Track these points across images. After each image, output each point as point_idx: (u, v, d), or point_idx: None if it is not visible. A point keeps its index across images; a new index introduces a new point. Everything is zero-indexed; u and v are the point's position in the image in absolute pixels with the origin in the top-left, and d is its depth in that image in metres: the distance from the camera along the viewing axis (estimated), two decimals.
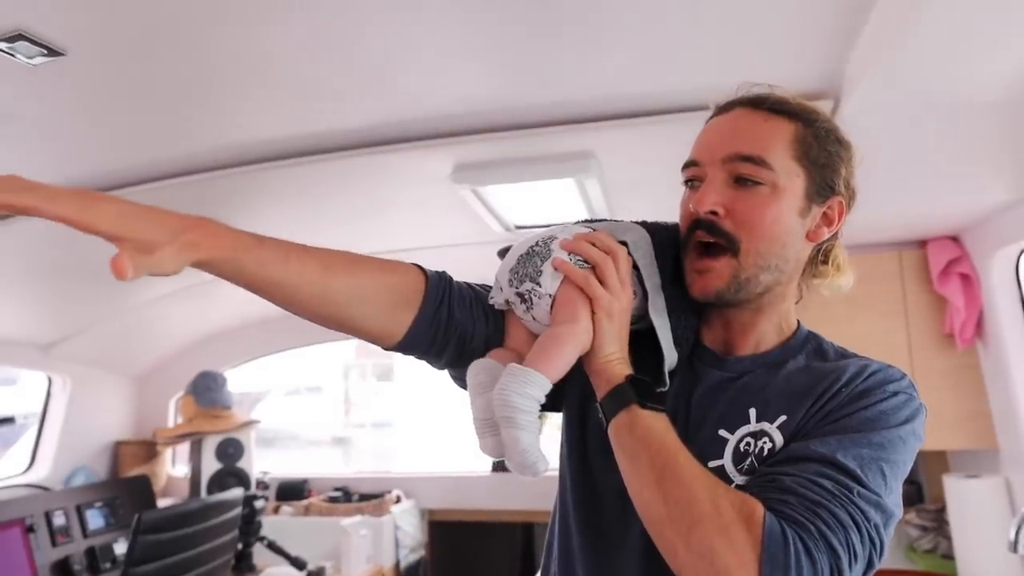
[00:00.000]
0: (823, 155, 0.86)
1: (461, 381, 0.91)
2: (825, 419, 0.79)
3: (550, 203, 2.32)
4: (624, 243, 0.87)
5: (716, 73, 1.61)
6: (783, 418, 0.81)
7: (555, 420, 1.06)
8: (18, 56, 1.34)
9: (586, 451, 0.94)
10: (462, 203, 2.26)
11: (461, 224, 2.52)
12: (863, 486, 0.71)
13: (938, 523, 2.83)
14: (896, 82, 1.51)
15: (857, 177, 0.90)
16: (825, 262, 0.92)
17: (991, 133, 1.80)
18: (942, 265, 2.71)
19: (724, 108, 0.90)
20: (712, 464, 0.80)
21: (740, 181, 0.83)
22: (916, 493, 2.98)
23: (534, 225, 2.55)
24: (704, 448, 0.82)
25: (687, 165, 0.89)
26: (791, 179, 0.84)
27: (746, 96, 0.89)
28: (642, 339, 0.89)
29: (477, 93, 1.71)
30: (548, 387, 0.73)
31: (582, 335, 0.78)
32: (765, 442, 0.80)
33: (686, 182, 0.90)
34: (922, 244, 2.83)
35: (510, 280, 0.86)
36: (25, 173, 1.84)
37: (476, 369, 0.80)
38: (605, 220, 0.99)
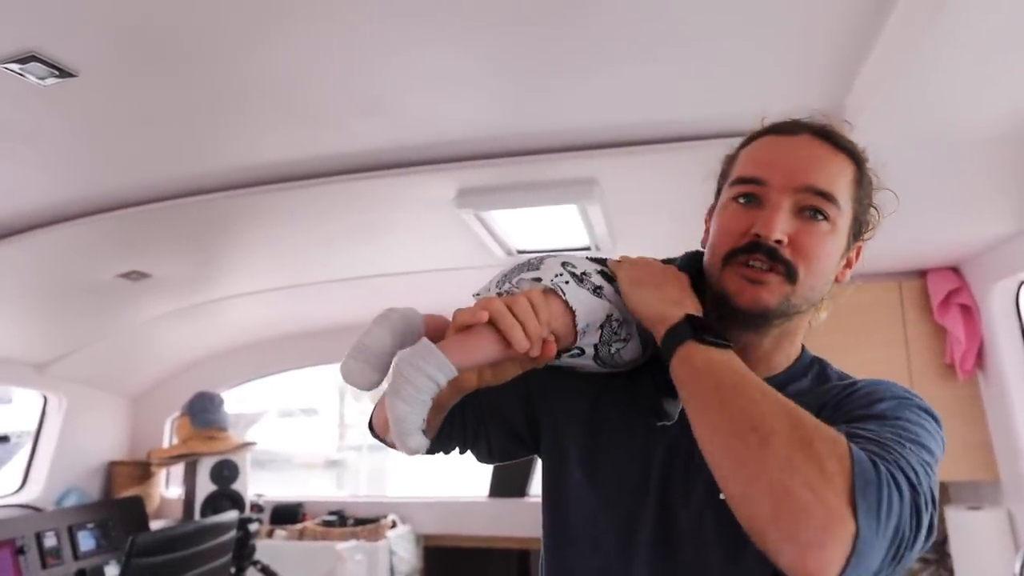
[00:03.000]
0: (866, 199, 0.87)
1: (488, 460, 1.00)
2: (839, 412, 0.76)
3: (553, 228, 2.33)
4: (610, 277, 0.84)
5: (719, 103, 1.63)
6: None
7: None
8: (30, 77, 1.36)
9: (567, 513, 0.91)
10: (465, 227, 2.27)
11: (464, 248, 2.53)
12: (910, 446, 0.67)
13: (940, 555, 2.81)
14: (898, 114, 1.53)
15: (878, 219, 0.91)
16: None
17: (991, 166, 1.82)
18: (942, 295, 2.72)
19: (787, 130, 0.86)
20: (724, 496, 0.77)
21: (804, 212, 0.81)
22: None
23: (536, 250, 2.56)
24: (711, 481, 0.77)
25: (746, 180, 0.84)
26: (845, 220, 0.84)
27: (813, 124, 0.86)
28: (647, 371, 0.88)
29: (481, 119, 1.72)
30: (449, 371, 0.67)
31: (495, 339, 0.71)
32: None
33: (737, 197, 0.85)
34: (922, 274, 2.84)
35: (498, 283, 0.84)
36: (35, 192, 1.85)
37: (400, 313, 0.74)
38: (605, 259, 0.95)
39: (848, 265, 0.88)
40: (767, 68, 1.49)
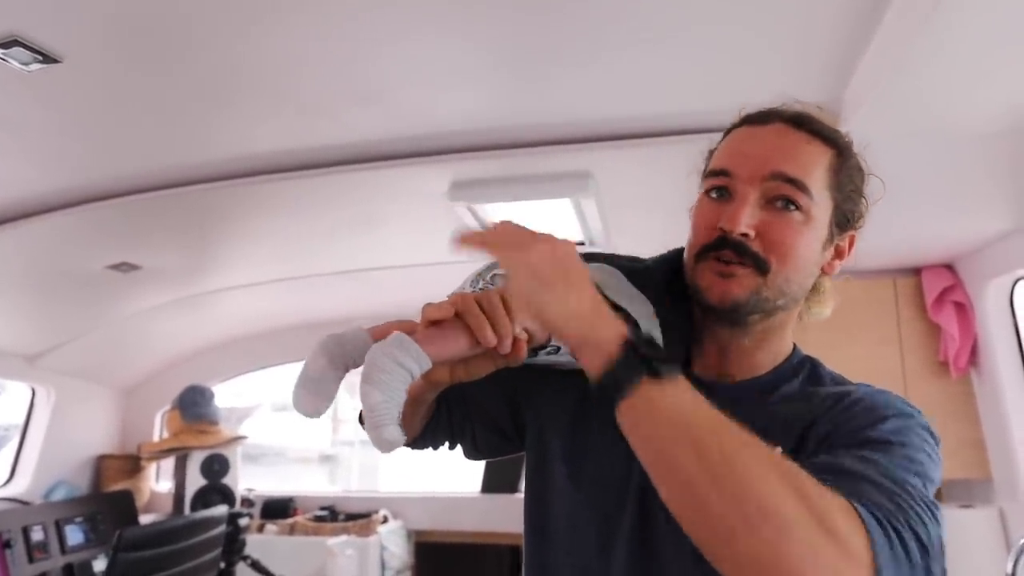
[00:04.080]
0: (850, 187, 0.83)
1: (474, 455, 1.01)
2: (837, 432, 0.71)
3: (546, 222, 2.32)
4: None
5: (714, 97, 1.61)
6: (777, 451, 0.73)
7: None
8: (13, 62, 1.33)
9: (546, 521, 0.89)
10: (458, 220, 2.25)
11: None
12: (913, 487, 0.63)
13: None
14: (895, 109, 1.52)
15: (869, 208, 0.87)
16: (814, 289, 0.87)
17: (986, 163, 1.81)
18: (936, 293, 2.72)
19: (759, 119, 0.83)
20: None
21: (774, 203, 0.78)
22: None
23: None
24: None
25: (715, 173, 0.82)
26: (822, 209, 0.80)
27: (786, 112, 0.83)
28: None
29: (475, 111, 1.70)
30: (424, 359, 0.65)
31: (465, 334, 0.69)
32: None
33: (709, 190, 0.83)
34: (916, 272, 2.84)
35: (472, 281, 0.83)
36: (19, 181, 1.82)
37: (335, 336, 0.72)
38: (584, 255, 0.92)
39: (839, 255, 0.85)
40: (764, 62, 1.48)
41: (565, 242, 0.69)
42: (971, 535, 2.61)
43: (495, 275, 0.78)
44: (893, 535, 0.57)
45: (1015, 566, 1.76)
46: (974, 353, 2.68)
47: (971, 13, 1.16)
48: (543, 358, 0.81)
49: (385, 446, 0.63)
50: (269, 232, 2.50)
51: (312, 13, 1.27)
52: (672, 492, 0.59)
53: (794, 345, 0.89)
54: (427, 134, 1.81)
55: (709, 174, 0.84)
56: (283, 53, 1.41)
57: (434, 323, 0.69)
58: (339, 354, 0.71)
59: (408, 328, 0.70)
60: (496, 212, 2.21)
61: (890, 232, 2.40)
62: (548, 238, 0.69)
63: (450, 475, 3.95)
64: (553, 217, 2.25)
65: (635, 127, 1.78)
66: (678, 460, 0.58)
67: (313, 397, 0.69)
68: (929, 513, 0.62)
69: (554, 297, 0.65)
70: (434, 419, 0.95)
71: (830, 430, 0.73)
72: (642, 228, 2.39)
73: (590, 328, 0.64)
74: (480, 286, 0.78)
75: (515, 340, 0.71)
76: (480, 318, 0.69)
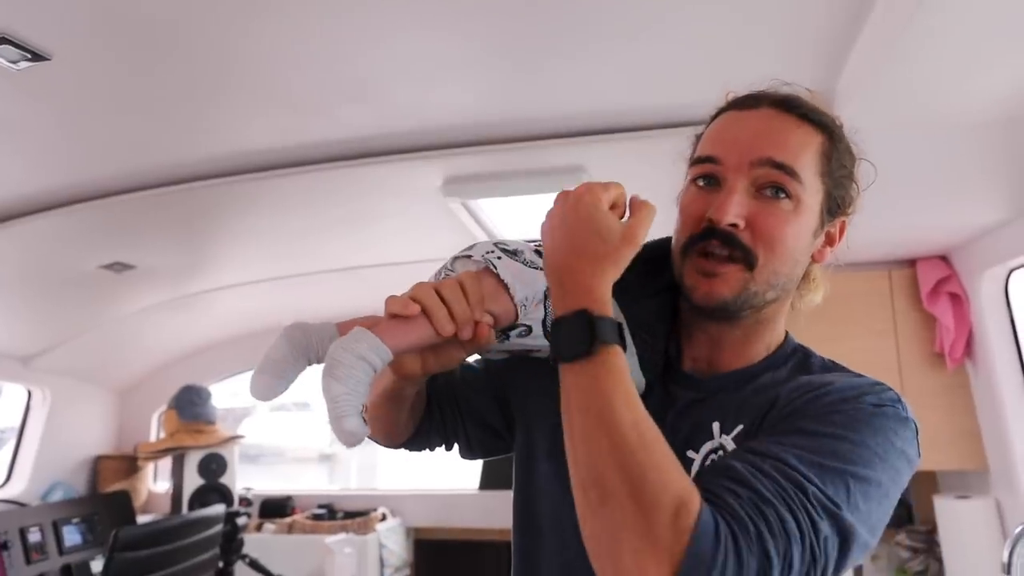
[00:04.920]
0: (841, 172, 0.80)
1: (469, 455, 1.01)
2: (786, 417, 0.70)
3: (540, 217, 2.31)
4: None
5: (707, 89, 1.59)
6: (739, 427, 0.75)
7: None
8: (1, 60, 1.32)
9: (533, 517, 0.89)
10: (452, 216, 2.25)
11: (451, 237, 2.50)
12: (820, 491, 0.62)
13: (928, 544, 2.81)
14: (888, 100, 1.52)
15: (861, 194, 0.85)
16: (805, 277, 0.86)
17: (980, 153, 1.81)
18: (931, 284, 2.72)
19: (748, 103, 0.80)
20: None
21: (764, 191, 0.76)
22: (906, 514, 2.95)
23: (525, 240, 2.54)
24: None
25: (702, 160, 0.79)
26: (812, 195, 0.78)
27: (774, 95, 0.80)
28: None
29: (468, 106, 1.70)
30: (384, 352, 0.66)
31: (425, 323, 0.70)
32: (721, 455, 0.73)
33: (696, 178, 0.80)
34: (912, 263, 2.84)
35: (436, 273, 0.83)
36: (8, 181, 1.81)
37: (301, 326, 0.73)
38: None
39: (830, 243, 0.84)
40: (756, 53, 1.47)
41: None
42: (967, 526, 2.62)
43: (456, 259, 0.78)
44: (728, 541, 0.57)
45: (1011, 556, 1.76)
46: (969, 344, 2.68)
47: (961, 3, 1.15)
48: (516, 340, 0.80)
49: (346, 437, 0.63)
50: (263, 230, 2.50)
51: (303, 9, 1.27)
52: (570, 454, 0.66)
53: (787, 334, 0.87)
54: (420, 130, 1.81)
55: (696, 161, 0.81)
56: (274, 49, 1.40)
57: (396, 315, 0.69)
58: (303, 343, 0.71)
59: (372, 323, 0.71)
60: (490, 207, 2.20)
61: (885, 223, 2.40)
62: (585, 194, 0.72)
63: (448, 472, 3.95)
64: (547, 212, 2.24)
65: (627, 120, 1.77)
66: (572, 428, 0.66)
67: (270, 379, 0.70)
68: (824, 519, 0.61)
69: (556, 247, 0.71)
70: (426, 419, 0.95)
71: (780, 417, 0.71)
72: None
73: (569, 286, 0.68)
74: (443, 276, 0.78)
75: (478, 325, 0.72)
76: (438, 307, 0.70)
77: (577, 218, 0.70)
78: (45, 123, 1.63)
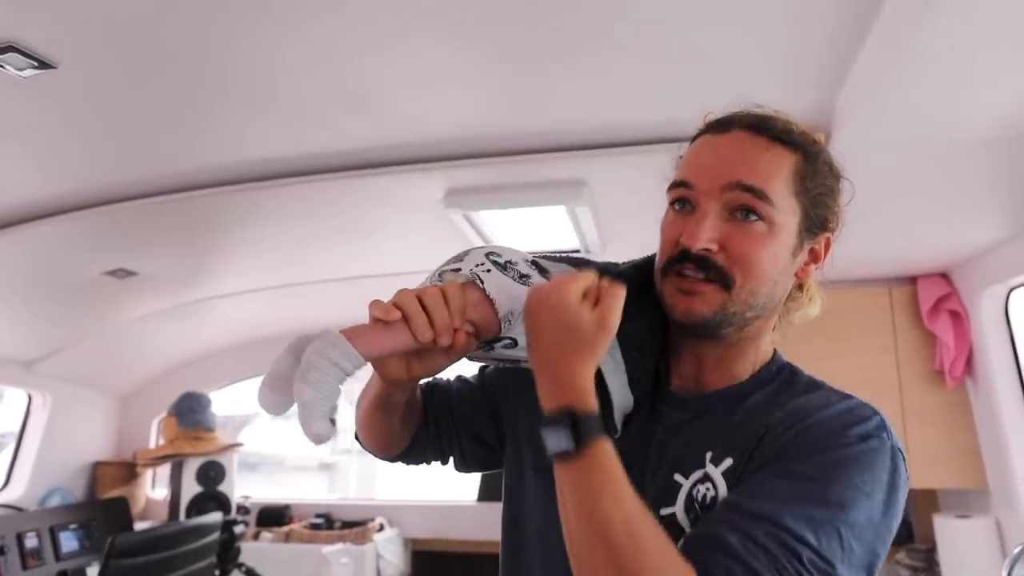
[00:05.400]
0: (819, 189, 0.80)
1: (463, 468, 1.03)
2: (774, 457, 0.71)
3: (541, 230, 2.32)
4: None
5: (708, 104, 1.61)
6: (728, 462, 0.75)
7: None
8: (8, 68, 1.34)
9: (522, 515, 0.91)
10: (453, 228, 2.26)
11: (452, 249, 2.47)
12: (815, 552, 0.64)
13: (928, 564, 2.79)
14: (886, 118, 1.52)
15: (844, 209, 0.85)
16: (800, 289, 0.86)
17: (980, 170, 1.81)
18: (932, 302, 2.72)
19: (720, 127, 0.82)
20: (664, 511, 0.75)
21: (735, 214, 0.77)
22: (906, 533, 2.94)
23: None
24: (659, 494, 0.77)
25: (676, 185, 0.81)
26: (788, 216, 0.78)
27: (746, 117, 0.81)
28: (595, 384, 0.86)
29: (470, 118, 1.71)
30: (356, 358, 0.68)
31: (405, 329, 0.71)
32: (708, 488, 0.74)
33: (673, 202, 0.82)
34: (912, 280, 2.84)
35: (426, 280, 0.83)
36: (14, 187, 1.82)
37: (308, 337, 0.74)
38: (550, 258, 0.91)
39: (814, 259, 0.84)
40: (757, 69, 1.48)
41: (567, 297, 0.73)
42: (967, 545, 2.60)
43: (443, 272, 0.79)
44: None
45: (1010, 575, 1.75)
46: (970, 362, 2.68)
47: (962, 18, 1.15)
48: (500, 351, 0.81)
49: (315, 439, 0.66)
50: (264, 239, 2.51)
51: (304, 19, 1.28)
52: (569, 546, 0.69)
53: (775, 352, 0.88)
54: (421, 141, 1.82)
55: (672, 185, 0.83)
56: (277, 60, 1.41)
57: (378, 319, 0.71)
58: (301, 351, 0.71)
59: (362, 328, 0.72)
60: (491, 219, 2.21)
61: (885, 240, 2.40)
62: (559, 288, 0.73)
63: (447, 483, 3.94)
64: (548, 225, 2.25)
65: (629, 135, 1.78)
66: (572, 525, 0.68)
67: (277, 395, 0.71)
68: (815, 564, 0.63)
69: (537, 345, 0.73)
70: (422, 431, 0.96)
71: (769, 457, 0.72)
72: (637, 235, 2.38)
73: (552, 388, 0.71)
74: (430, 283, 0.79)
75: (457, 333, 0.73)
76: (418, 313, 0.71)
77: (551, 317, 0.72)
78: (50, 130, 1.64)
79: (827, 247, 0.85)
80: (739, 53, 1.43)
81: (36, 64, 1.33)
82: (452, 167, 1.90)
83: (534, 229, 2.32)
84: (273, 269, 2.88)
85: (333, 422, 0.67)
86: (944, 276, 2.78)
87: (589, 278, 0.74)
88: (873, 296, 2.84)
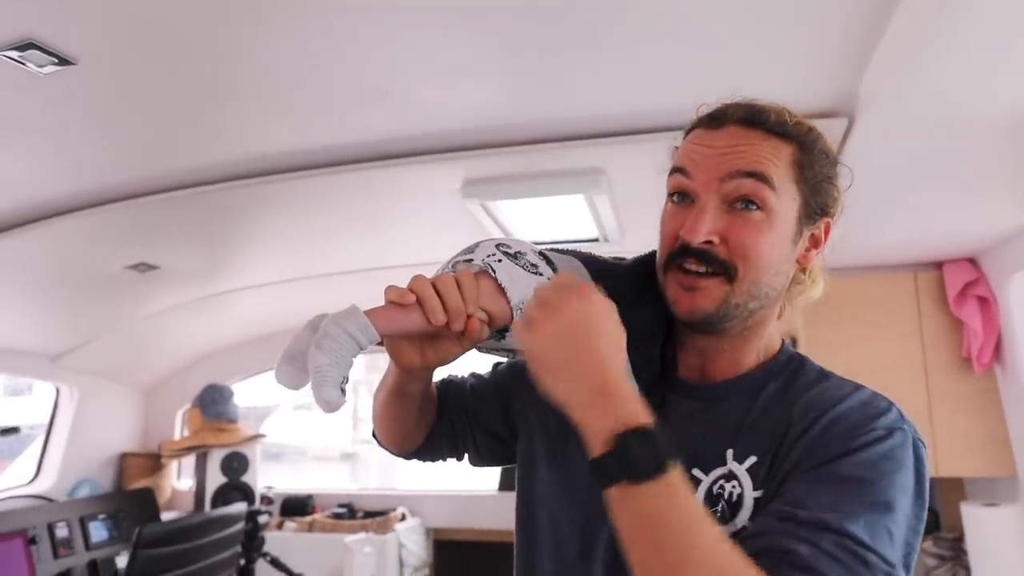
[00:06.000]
0: (817, 177, 0.81)
1: (478, 462, 1.04)
2: (807, 457, 0.71)
3: (560, 219, 2.31)
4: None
5: (728, 91, 1.59)
6: (752, 459, 0.75)
7: None
8: (28, 65, 1.35)
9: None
10: (471, 218, 2.25)
11: (470, 239, 2.48)
12: (879, 556, 0.64)
13: (955, 552, 2.76)
14: (911, 101, 1.49)
15: (844, 194, 0.86)
16: (803, 272, 0.86)
17: (1007, 154, 1.77)
18: (959, 287, 2.67)
19: (712, 122, 0.81)
20: None
21: (735, 204, 0.77)
22: (933, 521, 2.90)
23: (543, 241, 2.53)
24: None
25: (675, 170, 0.81)
26: (787, 204, 0.79)
27: (738, 111, 0.81)
28: None
29: (488, 108, 1.70)
30: (371, 332, 0.70)
31: (418, 311, 0.73)
32: (734, 486, 0.74)
33: (672, 194, 0.82)
34: (938, 266, 2.79)
35: (442, 269, 0.85)
36: (36, 184, 1.84)
37: (328, 316, 0.75)
38: (557, 251, 0.91)
39: (815, 244, 0.84)
40: (777, 54, 1.46)
41: (596, 306, 0.70)
42: (996, 534, 2.56)
43: (456, 263, 0.81)
44: None
45: None
46: (998, 348, 2.63)
47: (986, 1, 1.13)
48: (512, 340, 0.81)
49: (324, 405, 0.68)
50: (283, 231, 2.52)
51: (322, 13, 1.27)
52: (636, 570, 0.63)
53: (783, 342, 0.88)
54: (439, 131, 1.81)
55: (671, 172, 0.82)
56: (295, 52, 1.41)
57: (393, 303, 0.73)
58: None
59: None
60: (509, 209, 2.20)
61: (910, 226, 2.36)
62: (579, 300, 0.70)
63: (468, 473, 3.96)
64: (567, 214, 2.24)
65: (647, 122, 1.76)
66: (642, 552, 0.62)
67: (296, 369, 0.73)
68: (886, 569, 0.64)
69: (557, 382, 0.68)
70: (437, 426, 0.99)
71: (801, 457, 0.71)
72: (656, 223, 2.37)
73: (584, 417, 0.66)
74: (445, 271, 0.81)
75: (469, 319, 0.74)
76: (431, 297, 0.73)
77: (575, 331, 0.68)
78: (71, 127, 1.66)
79: (827, 231, 0.85)
80: (759, 40, 1.40)
81: (56, 61, 1.34)
82: (470, 157, 1.89)
83: (552, 218, 2.30)
84: (292, 261, 2.89)
85: (344, 392, 0.68)
86: (971, 261, 2.73)
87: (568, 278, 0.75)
88: (898, 282, 2.80)
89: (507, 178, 2.01)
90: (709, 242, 0.77)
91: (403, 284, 0.75)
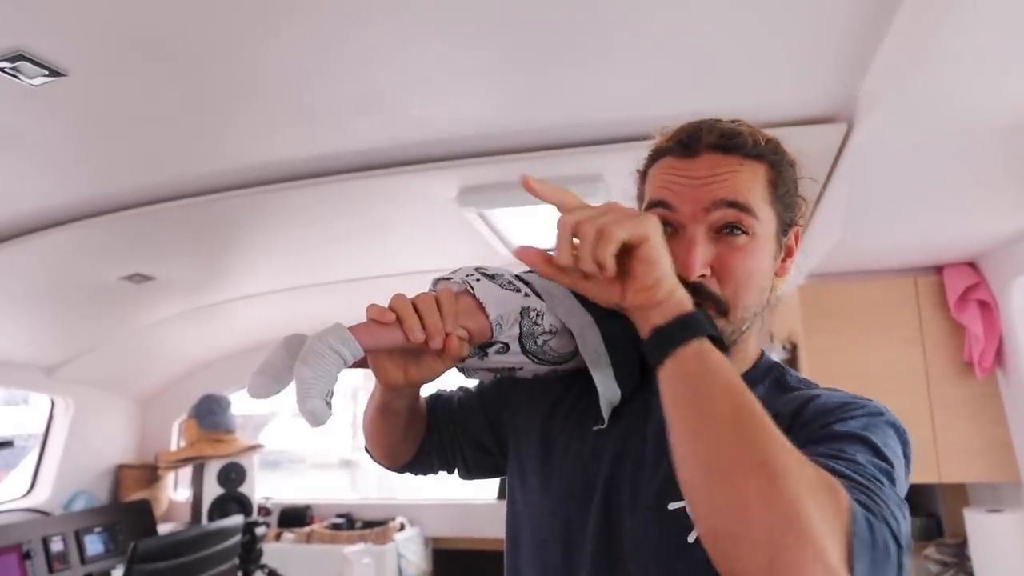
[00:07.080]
0: (788, 191, 0.83)
1: (467, 476, 1.05)
2: (802, 435, 0.70)
3: (555, 227, 2.29)
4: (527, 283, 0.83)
5: (727, 97, 1.58)
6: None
7: None
8: (19, 77, 1.33)
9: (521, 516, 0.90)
10: (468, 226, 2.24)
11: (467, 248, 2.49)
12: (886, 485, 0.65)
13: (959, 559, 2.74)
14: (910, 106, 1.48)
15: (808, 200, 0.88)
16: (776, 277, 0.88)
17: (1007, 158, 1.76)
18: (959, 291, 2.65)
19: (687, 151, 0.81)
20: (672, 506, 0.74)
21: (722, 230, 0.78)
22: (935, 527, 2.88)
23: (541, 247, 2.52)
24: (662, 488, 0.76)
25: (655, 204, 0.80)
26: (767, 225, 0.80)
27: (711, 136, 0.80)
28: (584, 377, 0.85)
29: (484, 115, 1.69)
30: (353, 346, 0.72)
31: (399, 328, 0.75)
32: None
33: None
34: (938, 270, 2.77)
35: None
36: (29, 195, 1.81)
37: (300, 335, 0.78)
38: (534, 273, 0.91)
39: (788, 255, 0.86)
40: (775, 61, 1.45)
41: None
42: (1000, 540, 2.54)
43: (437, 282, 0.83)
44: (876, 525, 0.59)
45: None
46: (1000, 353, 2.61)
47: (990, 4, 1.12)
48: (495, 358, 0.82)
49: (309, 417, 0.69)
50: (280, 241, 2.50)
51: (317, 23, 1.26)
52: (686, 438, 0.62)
53: (762, 351, 0.90)
54: (435, 140, 1.80)
55: (650, 204, 0.82)
56: (290, 62, 1.40)
57: (373, 320, 0.75)
58: (297, 347, 0.76)
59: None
60: (506, 217, 2.19)
61: (910, 230, 2.35)
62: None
63: (466, 482, 3.94)
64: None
65: (646, 129, 1.74)
66: (715, 411, 0.61)
67: (267, 380, 0.76)
68: (900, 509, 0.63)
69: (664, 259, 0.69)
70: (426, 440, 1.00)
71: (794, 439, 0.70)
72: None
73: (675, 286, 0.69)
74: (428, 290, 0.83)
75: (449, 337, 0.75)
76: (411, 315, 0.74)
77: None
78: (63, 138, 1.64)
79: (797, 239, 0.88)
80: (757, 46, 1.39)
81: (47, 72, 1.32)
82: (466, 165, 1.88)
83: (549, 226, 2.29)
84: (289, 271, 2.88)
85: (329, 405, 0.70)
86: (972, 265, 2.71)
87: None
88: (898, 286, 2.78)
89: (503, 186, 1.99)
90: (703, 275, 0.78)
91: (402, 292, 0.77)
